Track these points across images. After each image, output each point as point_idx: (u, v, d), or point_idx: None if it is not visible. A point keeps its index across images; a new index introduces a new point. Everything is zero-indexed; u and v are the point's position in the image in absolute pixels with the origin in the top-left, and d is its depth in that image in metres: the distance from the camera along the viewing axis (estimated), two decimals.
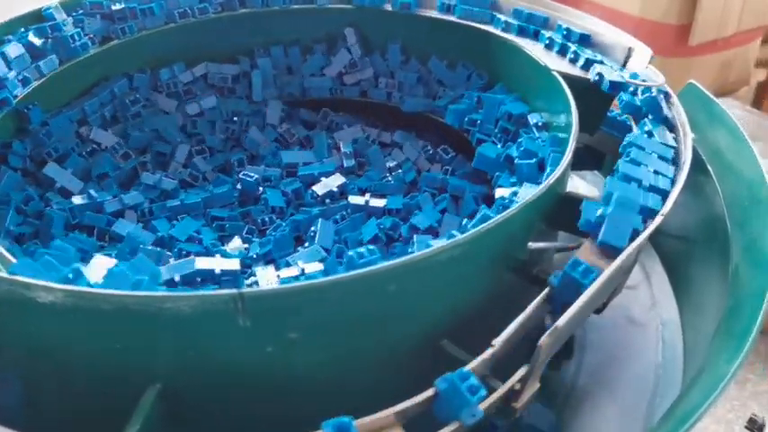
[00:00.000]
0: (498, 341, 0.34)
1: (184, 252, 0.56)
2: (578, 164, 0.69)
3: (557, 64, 0.60)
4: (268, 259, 0.55)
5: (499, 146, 0.62)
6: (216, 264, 0.47)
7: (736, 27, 1.67)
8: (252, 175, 0.67)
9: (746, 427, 0.69)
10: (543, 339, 0.32)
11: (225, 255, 0.55)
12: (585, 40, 0.62)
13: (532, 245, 0.37)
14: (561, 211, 0.45)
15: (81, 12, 0.67)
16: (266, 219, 0.63)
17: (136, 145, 0.69)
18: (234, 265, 0.47)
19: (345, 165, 0.69)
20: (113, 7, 0.68)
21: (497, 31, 0.65)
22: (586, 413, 0.49)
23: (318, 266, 0.51)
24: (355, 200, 0.62)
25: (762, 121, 1.73)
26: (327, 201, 0.63)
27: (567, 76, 0.57)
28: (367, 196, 0.63)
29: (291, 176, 0.68)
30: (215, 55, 0.74)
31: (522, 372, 0.33)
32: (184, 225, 0.61)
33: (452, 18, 0.68)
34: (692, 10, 1.58)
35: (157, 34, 0.70)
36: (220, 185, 0.67)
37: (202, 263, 0.46)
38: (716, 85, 1.73)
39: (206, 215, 0.64)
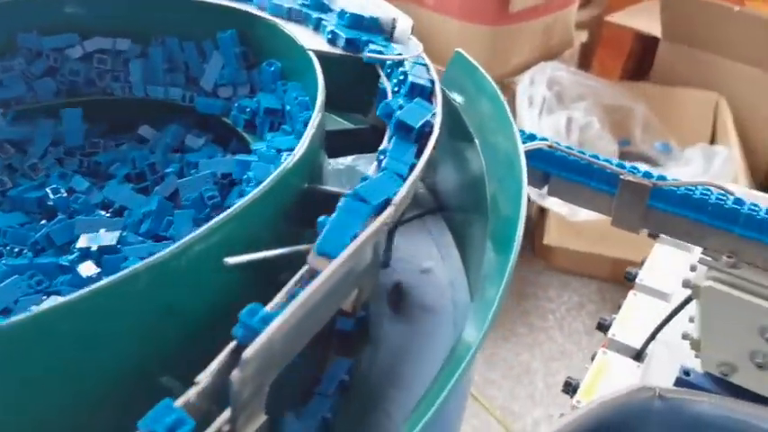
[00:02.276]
0: (203, 377, 0.29)
1: None
2: (368, 147, 0.65)
3: (318, 44, 0.55)
4: None
5: None
6: None
7: None
8: (61, 191, 0.57)
9: (563, 391, 0.70)
10: (234, 374, 0.27)
11: None
12: (355, 17, 0.57)
13: (230, 260, 0.32)
14: (310, 208, 0.40)
15: None
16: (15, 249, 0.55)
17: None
18: None
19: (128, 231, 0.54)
20: None
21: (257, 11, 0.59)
22: (373, 415, 0.46)
23: None
24: (86, 270, 0.46)
25: (586, 81, 1.80)
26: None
27: (324, 56, 0.52)
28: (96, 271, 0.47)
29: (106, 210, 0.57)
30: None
31: (226, 415, 0.28)
32: None
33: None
34: None
35: None
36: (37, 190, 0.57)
37: None
38: (541, 50, 1.78)
39: None
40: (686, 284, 0.54)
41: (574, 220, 1.46)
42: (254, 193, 0.35)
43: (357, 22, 0.56)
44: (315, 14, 0.58)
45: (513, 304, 1.64)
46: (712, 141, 1.75)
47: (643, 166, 1.60)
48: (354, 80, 0.53)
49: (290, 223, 0.40)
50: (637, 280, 0.80)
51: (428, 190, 0.65)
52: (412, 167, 0.40)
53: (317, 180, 0.45)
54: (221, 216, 0.33)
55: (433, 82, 0.48)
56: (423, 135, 0.44)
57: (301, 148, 0.40)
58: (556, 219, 1.58)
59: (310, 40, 0.56)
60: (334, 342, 0.46)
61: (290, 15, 0.59)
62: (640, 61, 2.07)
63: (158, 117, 0.66)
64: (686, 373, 0.58)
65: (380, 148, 0.43)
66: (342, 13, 0.57)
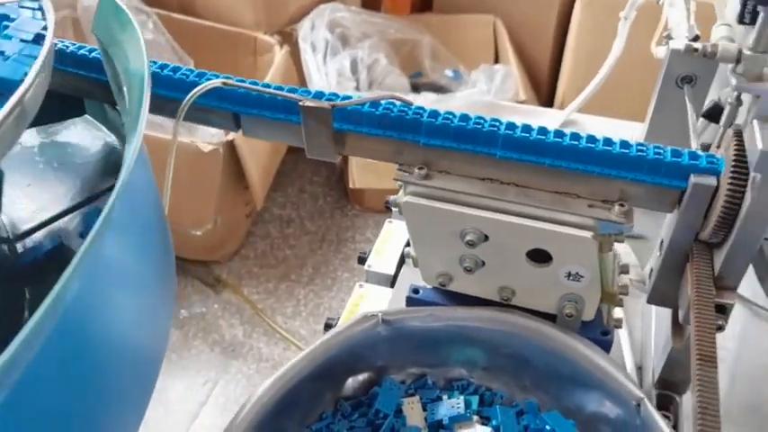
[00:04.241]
0: None
1: None
2: (53, 116, 0.58)
3: None
4: None
5: None
6: None
7: None
8: None
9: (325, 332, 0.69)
10: None
11: None
12: None
13: None
14: None
15: None
16: None
17: None
18: None
19: None
20: None
21: None
22: None
23: None
24: None
25: (371, 19, 1.78)
26: None
27: None
28: None
29: None
30: None
31: None
32: None
33: None
34: None
35: None
36: None
37: None
38: None
39: None
40: (393, 204, 0.53)
41: (370, 160, 1.45)
42: None
43: None
44: None
45: (333, 252, 1.63)
46: (497, 62, 1.82)
47: (431, 96, 1.59)
48: None
49: None
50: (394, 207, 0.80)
51: None
52: None
53: None
54: None
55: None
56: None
57: None
58: (356, 162, 1.58)
59: None
60: None
61: None
62: None
63: None
64: (415, 291, 0.58)
65: None
66: None
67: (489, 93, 1.58)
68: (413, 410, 0.52)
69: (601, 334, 0.54)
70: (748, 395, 0.62)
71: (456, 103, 1.39)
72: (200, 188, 1.39)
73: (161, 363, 0.43)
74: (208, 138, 1.39)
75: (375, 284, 0.71)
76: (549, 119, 0.91)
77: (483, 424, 0.51)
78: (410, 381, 0.55)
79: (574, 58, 1.62)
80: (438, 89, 1.75)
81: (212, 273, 1.57)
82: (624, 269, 0.55)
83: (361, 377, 0.54)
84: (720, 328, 0.45)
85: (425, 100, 1.54)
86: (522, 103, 1.55)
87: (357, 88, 1.58)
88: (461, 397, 0.52)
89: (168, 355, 1.42)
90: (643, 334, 0.61)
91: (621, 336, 0.61)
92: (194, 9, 1.64)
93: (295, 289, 1.56)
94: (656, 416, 0.46)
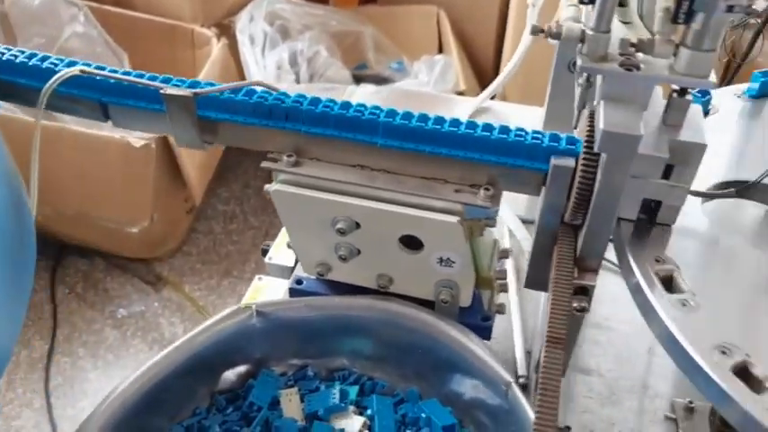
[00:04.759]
0: None
1: None
2: None
3: None
4: None
5: None
6: None
7: None
8: None
9: None
10: None
11: None
12: None
13: None
14: None
15: None
16: None
17: None
18: None
19: None
20: None
21: None
22: None
23: None
24: None
25: (312, 11, 1.76)
26: None
27: None
28: None
29: None
30: None
31: None
32: None
33: None
34: None
35: None
36: None
37: None
38: None
39: None
40: (267, 193, 0.52)
41: None
42: None
43: None
44: None
45: None
46: (441, 52, 1.81)
47: (370, 88, 1.56)
48: None
49: None
50: None
51: None
52: None
53: None
54: None
55: None
56: None
57: None
58: None
59: None
60: None
61: None
62: None
63: None
64: (298, 281, 0.57)
65: None
66: None
67: (429, 84, 1.57)
68: (290, 402, 0.51)
69: (481, 320, 0.53)
70: (638, 379, 0.62)
71: (386, 94, 1.38)
72: (134, 185, 1.36)
73: (8, 357, 0.42)
74: (141, 133, 1.36)
75: (278, 277, 0.70)
76: (464, 107, 0.91)
77: (360, 414, 0.51)
78: (291, 372, 0.54)
79: (513, 48, 1.62)
80: (382, 81, 1.73)
81: (153, 270, 1.55)
82: (504, 254, 0.55)
83: (240, 370, 0.53)
84: (583, 310, 0.45)
85: (364, 92, 1.52)
86: (461, 93, 1.54)
87: (297, 81, 1.56)
88: (338, 387, 0.51)
89: (105, 356, 1.39)
90: (534, 319, 0.61)
91: (513, 321, 0.61)
92: (129, 1, 1.61)
93: (238, 285, 1.54)
94: (522, 399, 0.46)
